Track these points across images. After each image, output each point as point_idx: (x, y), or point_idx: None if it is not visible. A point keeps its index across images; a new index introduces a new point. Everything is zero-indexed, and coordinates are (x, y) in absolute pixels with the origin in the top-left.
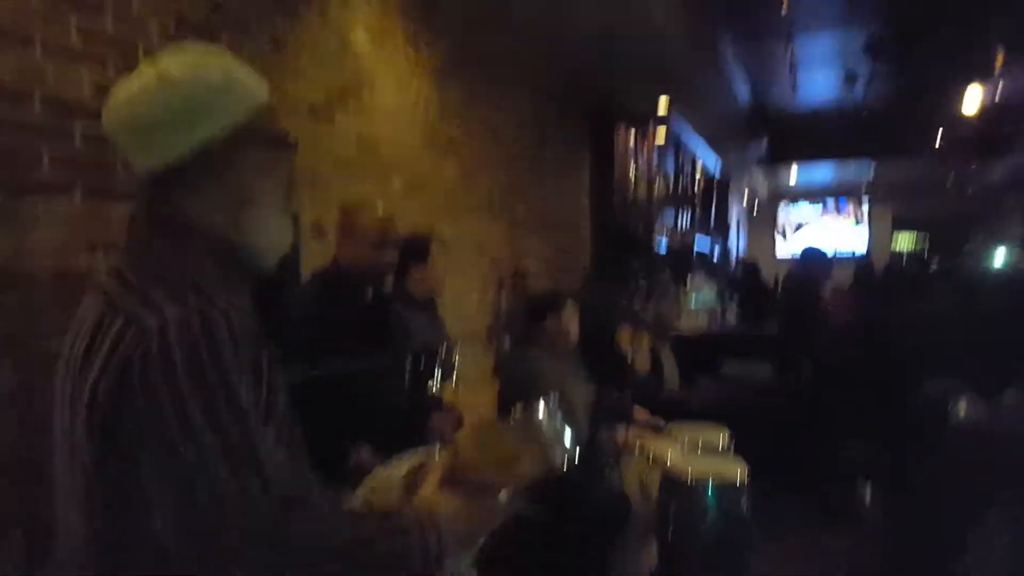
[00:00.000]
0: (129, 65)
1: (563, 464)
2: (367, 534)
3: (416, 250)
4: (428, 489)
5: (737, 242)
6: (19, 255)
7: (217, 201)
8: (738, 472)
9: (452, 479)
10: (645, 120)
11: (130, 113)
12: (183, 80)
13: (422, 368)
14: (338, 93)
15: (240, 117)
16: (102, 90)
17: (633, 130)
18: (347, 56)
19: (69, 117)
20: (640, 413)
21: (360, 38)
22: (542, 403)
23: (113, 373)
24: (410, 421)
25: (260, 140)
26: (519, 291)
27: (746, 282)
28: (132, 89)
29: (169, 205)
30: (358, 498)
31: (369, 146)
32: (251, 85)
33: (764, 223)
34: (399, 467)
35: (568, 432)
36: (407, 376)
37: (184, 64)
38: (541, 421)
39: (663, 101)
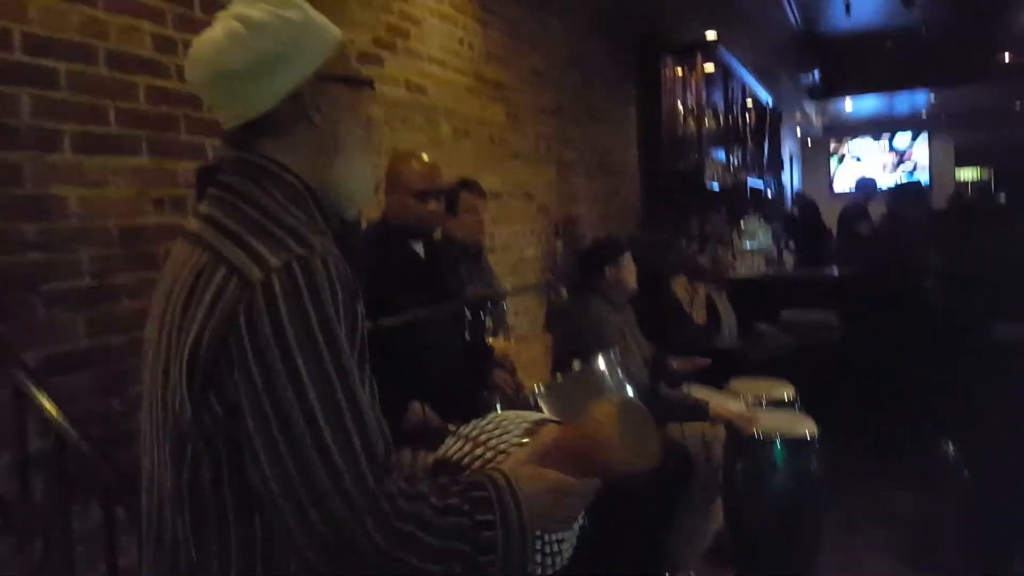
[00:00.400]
0: (186, 18)
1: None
2: (454, 506)
3: (459, 197)
4: (522, 455)
5: (791, 179)
6: (90, 212)
7: (306, 146)
8: (807, 428)
9: (558, 453)
10: (692, 52)
11: (220, 63)
12: (269, 24)
13: (474, 319)
14: (386, 36)
15: (322, 56)
16: (162, 45)
17: (680, 63)
18: None
19: (133, 72)
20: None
21: None
22: (602, 357)
23: (217, 324)
24: (468, 374)
25: (342, 79)
26: (570, 239)
27: (803, 221)
28: (218, 39)
29: (258, 153)
30: (458, 435)
31: (418, 91)
32: (326, 23)
33: (819, 159)
34: (525, 415)
35: (628, 387)
36: (462, 328)
37: (264, 8)
38: (603, 374)
39: (710, 32)
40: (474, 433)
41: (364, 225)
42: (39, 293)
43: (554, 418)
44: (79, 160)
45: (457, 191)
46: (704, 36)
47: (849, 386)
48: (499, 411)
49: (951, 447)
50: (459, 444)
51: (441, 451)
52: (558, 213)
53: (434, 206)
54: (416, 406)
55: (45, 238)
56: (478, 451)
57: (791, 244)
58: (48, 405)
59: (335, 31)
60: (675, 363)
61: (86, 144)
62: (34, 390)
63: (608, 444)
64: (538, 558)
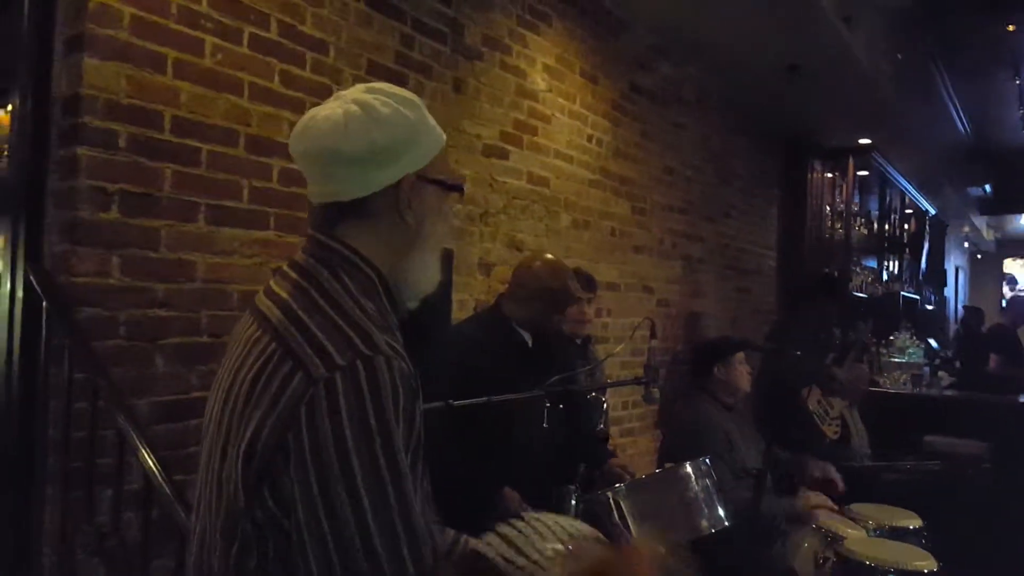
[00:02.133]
0: None
1: (709, 530)
2: None
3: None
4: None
5: (955, 296)
6: (215, 277)
7: (389, 237)
8: (926, 564)
9: None
10: (843, 155)
11: (333, 143)
12: (389, 118)
13: (555, 408)
14: (514, 131)
15: (427, 159)
16: None
17: (830, 167)
18: (524, 95)
19: (269, 155)
20: (818, 498)
21: (538, 78)
22: (689, 464)
23: (278, 418)
24: (559, 464)
25: (439, 181)
26: (692, 334)
27: (965, 340)
28: (336, 119)
29: (339, 238)
30: (495, 533)
31: (540, 184)
32: (435, 127)
33: (988, 276)
34: (563, 524)
35: (717, 497)
36: (553, 413)
37: (387, 101)
38: (687, 477)
39: (864, 139)
40: (512, 534)
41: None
42: (159, 347)
43: (591, 537)
44: (211, 231)
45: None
46: (857, 141)
47: (985, 528)
48: (535, 516)
49: None
50: (494, 543)
51: (481, 544)
52: (680, 309)
53: (562, 318)
54: (513, 495)
55: (172, 297)
56: (511, 553)
57: (948, 362)
58: (143, 449)
59: (441, 136)
60: (815, 469)
61: (219, 217)
62: (134, 434)
63: None
64: None
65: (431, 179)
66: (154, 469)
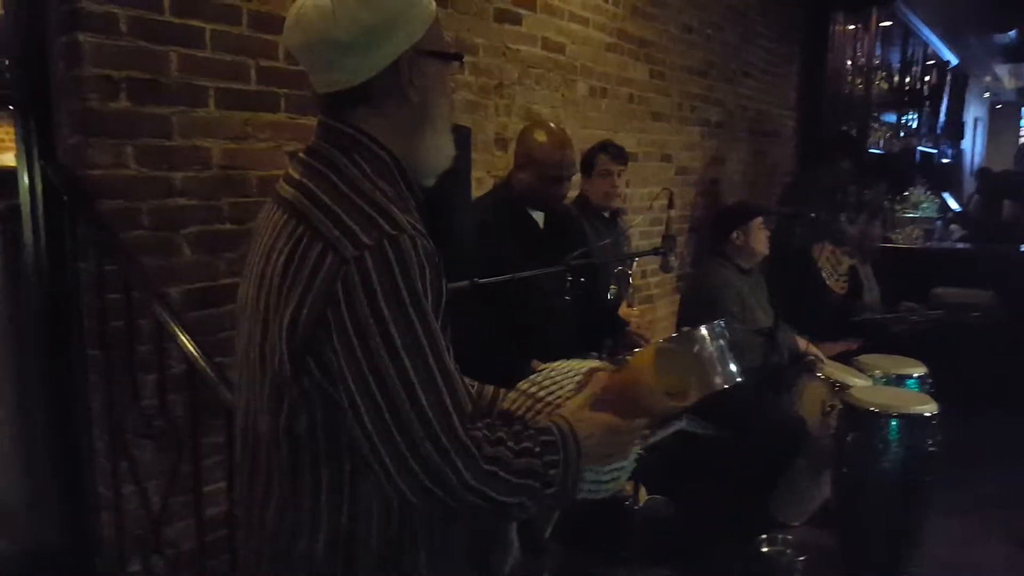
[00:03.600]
0: None
1: (722, 386)
2: (528, 448)
3: (597, 159)
4: (579, 401)
5: (972, 148)
6: (232, 162)
7: (397, 118)
8: (927, 408)
9: (609, 397)
10: (867, 7)
11: (325, 32)
12: None
13: (577, 283)
14: None
15: (422, 30)
16: None
17: (852, 19)
18: None
19: (273, 31)
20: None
21: None
22: (704, 327)
23: (316, 297)
24: (585, 336)
25: (437, 53)
26: (711, 201)
27: (980, 193)
28: (324, 7)
29: (350, 123)
30: (517, 390)
31: (555, 50)
32: None
33: (1007, 126)
34: (575, 366)
35: (730, 355)
36: (575, 286)
37: None
38: (703, 339)
39: None
40: (532, 389)
41: (492, 187)
42: (184, 235)
43: (603, 366)
44: (222, 115)
45: (596, 153)
46: None
47: (986, 371)
48: (549, 366)
49: None
50: (519, 398)
51: (505, 404)
52: (700, 175)
53: (563, 189)
54: (539, 366)
55: (191, 186)
56: (536, 405)
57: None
58: (182, 336)
59: (430, 4)
60: (822, 349)
61: (229, 100)
62: (171, 322)
63: (645, 387)
64: (593, 487)
65: (429, 51)
66: (195, 353)
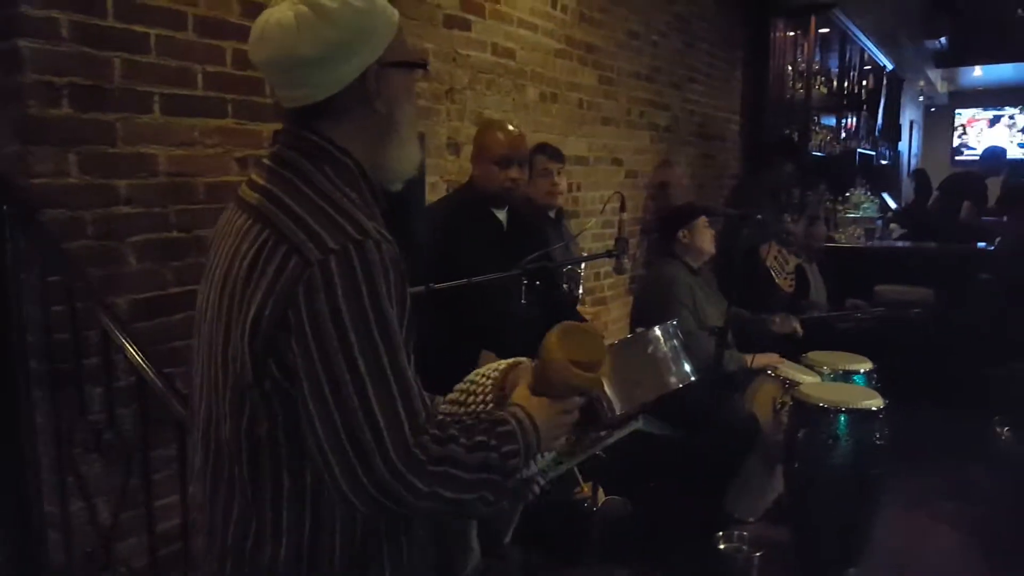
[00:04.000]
0: None
1: (677, 385)
2: (488, 446)
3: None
4: (521, 392)
5: (909, 149)
6: (178, 169)
7: (364, 129)
8: (874, 402)
9: (538, 383)
10: (805, 14)
11: (290, 49)
12: (339, 12)
13: (532, 285)
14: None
15: (386, 42)
16: (250, 10)
17: (792, 26)
18: None
19: (220, 37)
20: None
21: None
22: (658, 328)
23: (278, 298)
24: (538, 337)
25: (402, 63)
26: (661, 204)
27: (917, 193)
28: (288, 24)
29: (317, 133)
30: (455, 391)
31: (505, 55)
32: (386, 6)
33: (940, 129)
34: (496, 366)
35: (683, 355)
36: (531, 289)
37: None
38: (656, 340)
39: None
40: (454, 408)
41: (448, 191)
42: (130, 244)
43: (525, 360)
44: (168, 121)
45: (534, 155)
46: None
47: (927, 365)
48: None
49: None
50: (450, 409)
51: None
52: (648, 178)
53: (516, 173)
54: (490, 355)
55: (136, 193)
56: (464, 418)
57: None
58: (129, 347)
59: (393, 16)
60: (775, 321)
61: (174, 106)
62: (118, 333)
63: (555, 363)
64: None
65: (394, 63)
66: (143, 364)
